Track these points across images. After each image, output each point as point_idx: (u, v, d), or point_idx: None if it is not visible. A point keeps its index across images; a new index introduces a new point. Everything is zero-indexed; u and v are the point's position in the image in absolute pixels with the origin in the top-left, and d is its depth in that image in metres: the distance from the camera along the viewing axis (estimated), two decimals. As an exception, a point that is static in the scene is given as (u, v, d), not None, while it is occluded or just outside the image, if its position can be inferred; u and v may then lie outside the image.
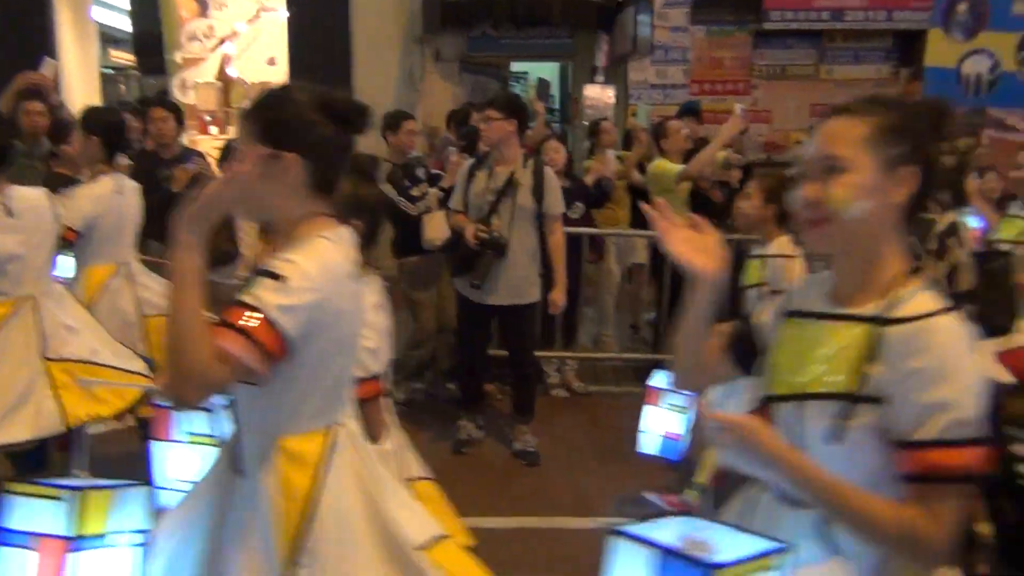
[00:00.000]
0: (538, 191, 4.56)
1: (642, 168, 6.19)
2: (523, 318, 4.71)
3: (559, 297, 4.63)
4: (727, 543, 1.26)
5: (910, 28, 8.34)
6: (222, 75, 10.29)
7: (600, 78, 8.83)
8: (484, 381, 5.17)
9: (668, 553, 1.21)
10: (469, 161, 4.98)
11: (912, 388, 1.34)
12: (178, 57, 10.37)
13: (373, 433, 2.26)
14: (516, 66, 10.56)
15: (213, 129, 9.38)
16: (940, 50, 5.61)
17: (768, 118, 9.01)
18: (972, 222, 4.21)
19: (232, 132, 8.51)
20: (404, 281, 5.44)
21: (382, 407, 2.33)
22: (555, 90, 11.53)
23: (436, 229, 5.26)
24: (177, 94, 10.22)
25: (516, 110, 4.58)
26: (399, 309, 5.88)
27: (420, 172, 5.50)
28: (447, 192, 5.20)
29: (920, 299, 1.41)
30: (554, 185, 4.64)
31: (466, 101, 7.78)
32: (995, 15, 5.58)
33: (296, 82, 2.09)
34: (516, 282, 4.59)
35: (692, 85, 8.63)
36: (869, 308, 1.43)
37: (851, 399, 1.39)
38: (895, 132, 1.43)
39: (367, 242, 2.29)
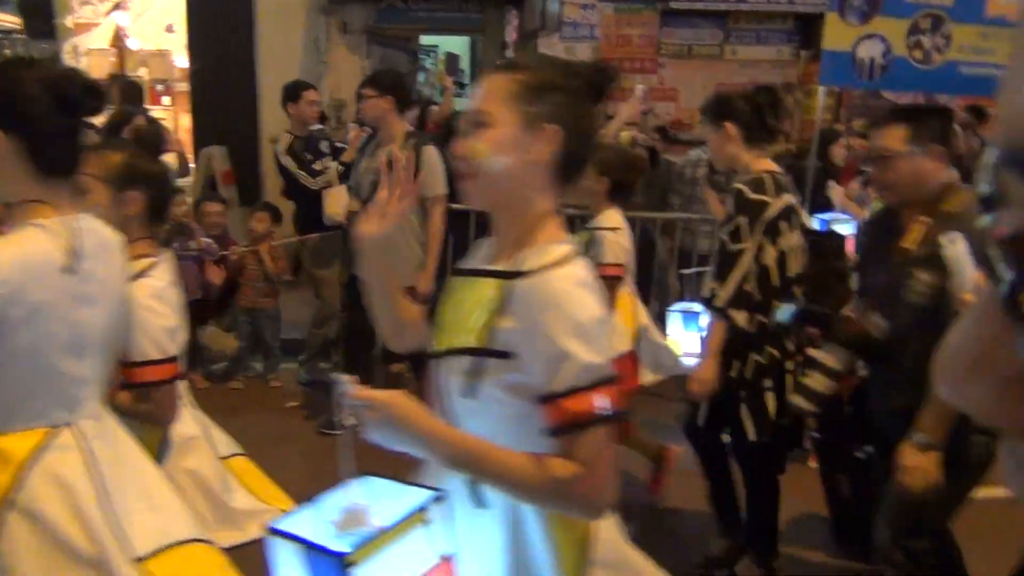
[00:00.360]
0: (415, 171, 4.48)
1: None
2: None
3: (423, 284, 4.35)
4: (387, 505, 1.25)
5: (809, 11, 8.60)
6: (116, 41, 9.85)
7: (510, 53, 8.81)
8: (369, 356, 5.05)
9: (310, 548, 1.19)
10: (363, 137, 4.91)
11: (538, 340, 1.33)
12: (69, 21, 9.87)
13: (164, 418, 2.14)
14: (426, 39, 10.42)
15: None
16: (836, 33, 5.76)
17: (674, 96, 9.15)
18: (845, 228, 4.24)
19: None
20: (306, 258, 5.34)
21: (176, 391, 2.17)
22: (465, 64, 11.44)
23: (336, 204, 5.18)
24: (68, 61, 9.73)
25: (392, 87, 4.41)
26: (302, 287, 5.80)
27: (324, 146, 5.40)
28: (348, 167, 5.12)
29: (546, 252, 1.41)
30: (433, 165, 4.38)
31: (367, 76, 7.65)
32: (888, 1, 5.76)
33: (28, 60, 2.01)
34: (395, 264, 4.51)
35: (600, 62, 8.70)
36: (506, 264, 1.45)
37: (481, 354, 1.39)
38: (537, 90, 1.44)
39: (153, 216, 2.21)
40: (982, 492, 2.52)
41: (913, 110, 2.79)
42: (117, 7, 9.75)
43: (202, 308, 5.12)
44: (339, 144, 5.57)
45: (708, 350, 3.02)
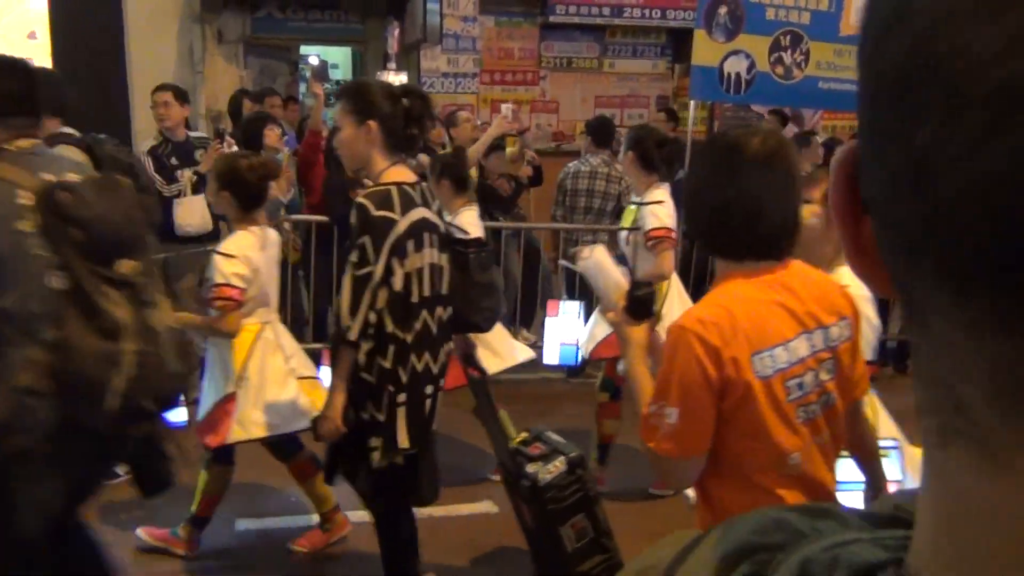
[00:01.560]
0: None
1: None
2: None
3: None
4: None
5: (681, 27, 8.95)
6: (-27, 48, 9.29)
7: (392, 65, 8.80)
8: None
9: None
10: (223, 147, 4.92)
11: None
12: (-82, 26, 9.25)
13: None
14: (306, 49, 10.29)
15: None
16: (704, 50, 6.03)
17: (556, 108, 9.35)
18: None
19: None
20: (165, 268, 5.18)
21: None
22: (348, 75, 11.34)
23: (188, 215, 5.09)
24: (-83, 67, 9.12)
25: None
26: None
27: (199, 155, 5.27)
28: (201, 177, 5.04)
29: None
30: None
31: (251, 85, 7.52)
32: (751, 19, 6.07)
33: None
34: None
35: (483, 75, 8.80)
36: None
37: None
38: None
39: None
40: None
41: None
42: (-27, 12, 9.21)
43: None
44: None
45: (335, 386, 2.68)
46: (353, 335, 2.60)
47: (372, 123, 2.64)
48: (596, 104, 9.44)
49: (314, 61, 11.09)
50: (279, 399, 3.28)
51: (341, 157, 2.91)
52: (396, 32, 8.65)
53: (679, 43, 9.40)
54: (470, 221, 3.84)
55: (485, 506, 4.15)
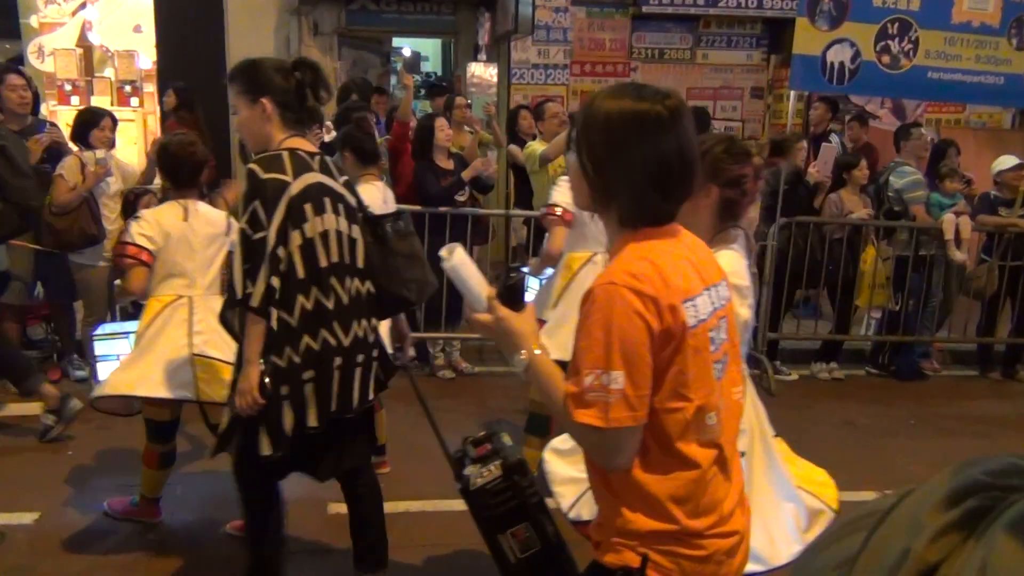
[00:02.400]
0: None
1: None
2: None
3: None
4: None
5: (779, 16, 8.69)
6: (83, 41, 9.69)
7: (483, 56, 8.80)
8: None
9: None
10: None
11: None
12: (34, 21, 9.70)
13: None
14: (399, 42, 10.39)
15: (75, 99, 8.83)
16: (806, 38, 5.82)
17: (646, 100, 9.22)
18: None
19: (95, 101, 8.04)
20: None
21: None
22: (438, 67, 11.41)
23: None
24: (33, 61, 9.56)
25: None
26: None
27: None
28: None
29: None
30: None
31: (345, 76, 7.62)
32: (856, 6, 5.83)
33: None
34: None
35: (573, 66, 8.72)
36: None
37: None
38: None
39: None
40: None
41: None
42: (84, 6, 9.60)
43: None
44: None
45: (248, 357, 2.57)
46: (256, 300, 2.53)
47: (265, 100, 2.61)
48: (688, 96, 9.24)
49: (406, 53, 11.19)
50: (157, 365, 3.26)
51: (243, 140, 2.91)
52: (487, 23, 8.64)
53: (776, 33, 9.14)
54: (370, 196, 3.69)
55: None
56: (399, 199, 5.58)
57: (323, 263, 2.60)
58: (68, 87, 9.19)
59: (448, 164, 5.59)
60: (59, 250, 5.01)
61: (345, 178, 2.77)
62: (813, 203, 6.25)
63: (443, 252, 1.78)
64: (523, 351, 1.62)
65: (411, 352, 3.22)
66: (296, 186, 2.56)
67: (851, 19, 5.86)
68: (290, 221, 2.54)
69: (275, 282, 2.53)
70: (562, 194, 3.61)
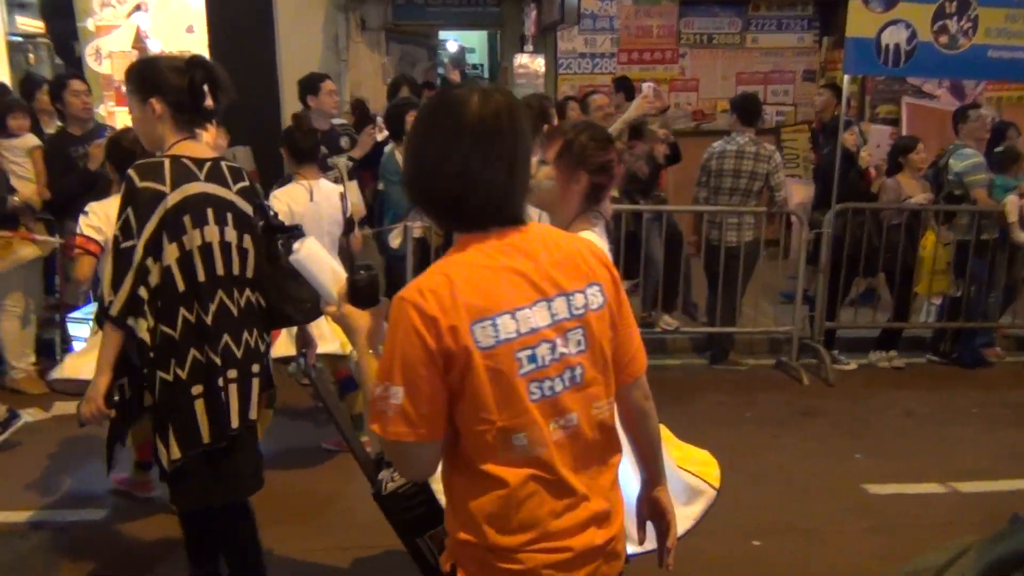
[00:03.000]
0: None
1: None
2: None
3: None
4: None
5: (831, -3, 8.51)
6: (137, 43, 9.90)
7: (529, 47, 8.77)
8: None
9: None
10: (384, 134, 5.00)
11: None
12: (90, 24, 9.93)
13: None
14: (444, 35, 10.41)
15: (130, 100, 9.02)
16: (860, 20, 5.69)
17: (696, 86, 9.09)
18: None
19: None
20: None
21: None
22: (484, 59, 11.42)
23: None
24: (90, 63, 9.79)
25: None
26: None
27: (344, 142, 5.41)
28: (356, 162, 5.18)
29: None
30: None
31: (393, 70, 7.67)
32: (912, -14, 5.68)
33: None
34: None
35: (620, 54, 8.65)
36: None
37: None
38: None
39: None
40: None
41: None
42: (138, 9, 9.80)
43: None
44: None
45: (100, 365, 2.51)
46: (115, 310, 2.45)
47: (155, 101, 2.51)
48: (738, 81, 9.12)
49: (452, 47, 11.21)
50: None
51: (143, 142, 2.65)
52: (533, 14, 8.62)
53: (828, 14, 8.95)
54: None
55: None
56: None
57: (202, 277, 2.52)
58: (125, 88, 9.38)
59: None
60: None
61: (242, 185, 2.65)
62: (868, 188, 6.12)
63: (295, 244, 1.77)
64: (356, 350, 1.66)
65: (314, 358, 3.15)
66: (174, 197, 2.47)
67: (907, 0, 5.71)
68: (166, 233, 2.46)
69: (142, 292, 2.46)
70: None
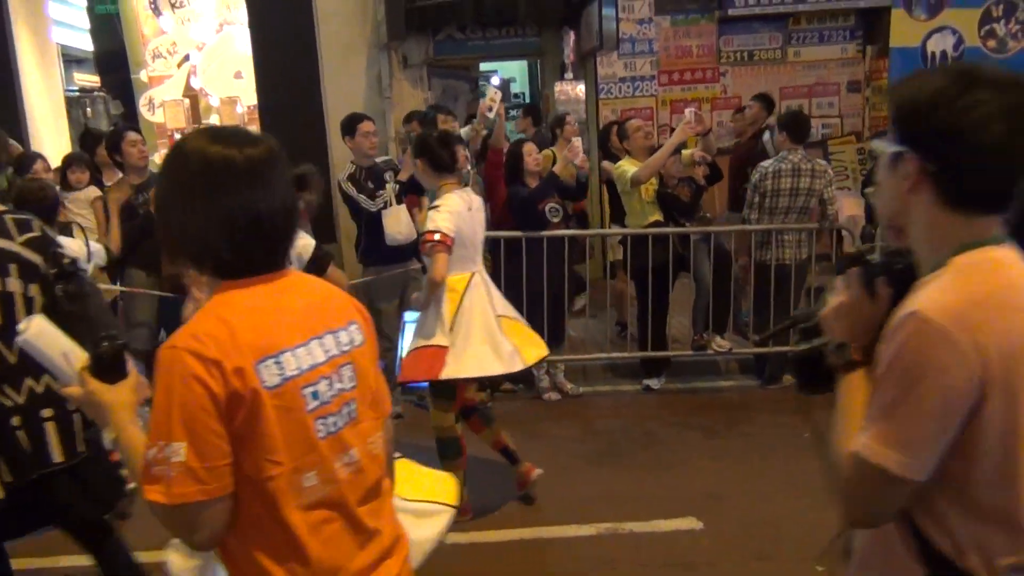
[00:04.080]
0: None
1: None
2: None
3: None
4: None
5: (873, 6, 8.39)
6: (189, 91, 10.22)
7: (569, 74, 8.83)
8: None
9: None
10: None
11: None
12: (143, 75, 10.29)
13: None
14: (486, 67, 10.53)
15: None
16: (903, 29, 5.65)
17: (738, 104, 9.03)
18: None
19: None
20: (372, 292, 5.40)
21: None
22: (525, 87, 11.52)
23: (396, 224, 5.34)
24: (144, 113, 10.14)
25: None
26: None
27: (389, 176, 5.50)
28: (403, 185, 5.30)
29: None
30: None
31: (433, 104, 7.77)
32: (956, -8, 5.61)
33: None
34: None
35: (661, 76, 8.65)
36: None
37: None
38: None
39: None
40: None
41: None
42: (187, 59, 10.13)
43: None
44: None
45: None
46: None
47: None
48: (782, 96, 9.02)
49: (495, 81, 11.33)
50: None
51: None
52: (572, 41, 8.68)
53: (871, 23, 8.82)
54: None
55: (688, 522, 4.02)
56: (494, 225, 5.64)
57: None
58: (178, 136, 9.69)
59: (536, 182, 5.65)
60: (177, 294, 5.27)
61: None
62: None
63: (20, 325, 1.70)
64: (115, 428, 1.54)
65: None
66: None
67: (951, 5, 5.65)
68: None
69: None
70: (442, 218, 3.78)
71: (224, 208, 1.45)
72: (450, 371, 3.73)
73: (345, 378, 1.55)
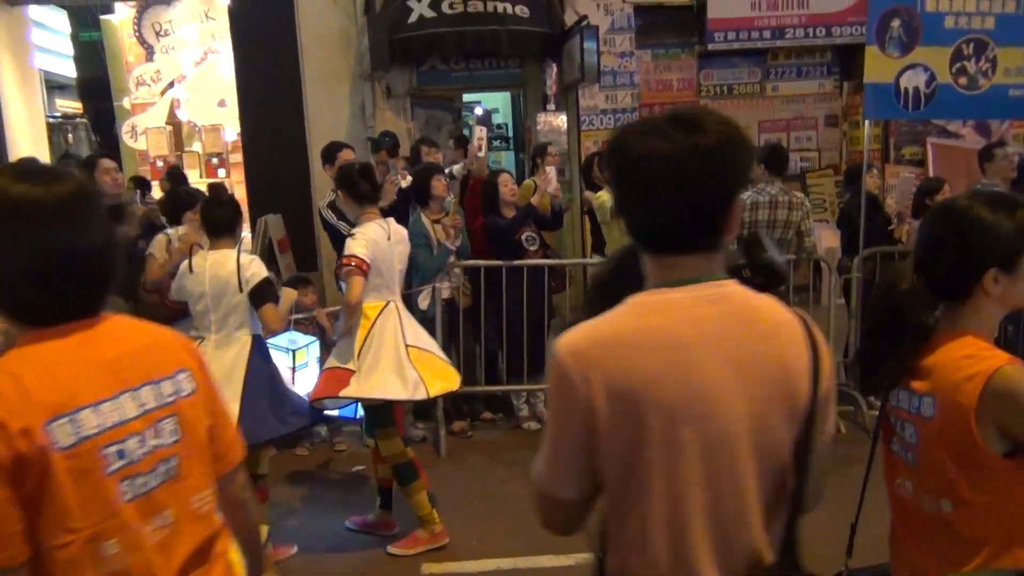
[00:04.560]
0: None
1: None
2: None
3: None
4: None
5: (849, 43, 8.57)
6: (172, 119, 10.23)
7: (551, 106, 8.92)
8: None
9: None
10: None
11: None
12: (126, 103, 10.29)
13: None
14: (469, 97, 10.62)
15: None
16: (877, 66, 5.73)
17: (718, 136, 9.17)
18: None
19: (187, 176, 8.45)
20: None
21: None
22: (508, 118, 11.62)
23: None
24: (127, 140, 10.13)
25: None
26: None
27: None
28: (384, 211, 5.32)
29: None
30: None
31: (418, 135, 7.82)
32: (928, 30, 5.72)
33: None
34: None
35: (641, 109, 8.76)
36: None
37: None
38: None
39: None
40: None
41: None
42: (171, 87, 10.15)
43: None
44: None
45: None
46: None
47: None
48: (760, 129, 9.18)
49: (479, 111, 11.43)
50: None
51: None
52: (554, 74, 8.78)
53: (847, 59, 9.00)
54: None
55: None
56: (476, 254, 5.67)
57: None
58: (160, 163, 9.68)
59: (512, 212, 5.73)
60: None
61: None
62: (892, 234, 6.10)
63: None
64: None
65: None
66: None
67: (923, 44, 5.74)
68: None
69: None
70: (358, 245, 3.91)
71: (31, 250, 1.37)
72: (351, 391, 3.85)
73: (165, 432, 1.46)
